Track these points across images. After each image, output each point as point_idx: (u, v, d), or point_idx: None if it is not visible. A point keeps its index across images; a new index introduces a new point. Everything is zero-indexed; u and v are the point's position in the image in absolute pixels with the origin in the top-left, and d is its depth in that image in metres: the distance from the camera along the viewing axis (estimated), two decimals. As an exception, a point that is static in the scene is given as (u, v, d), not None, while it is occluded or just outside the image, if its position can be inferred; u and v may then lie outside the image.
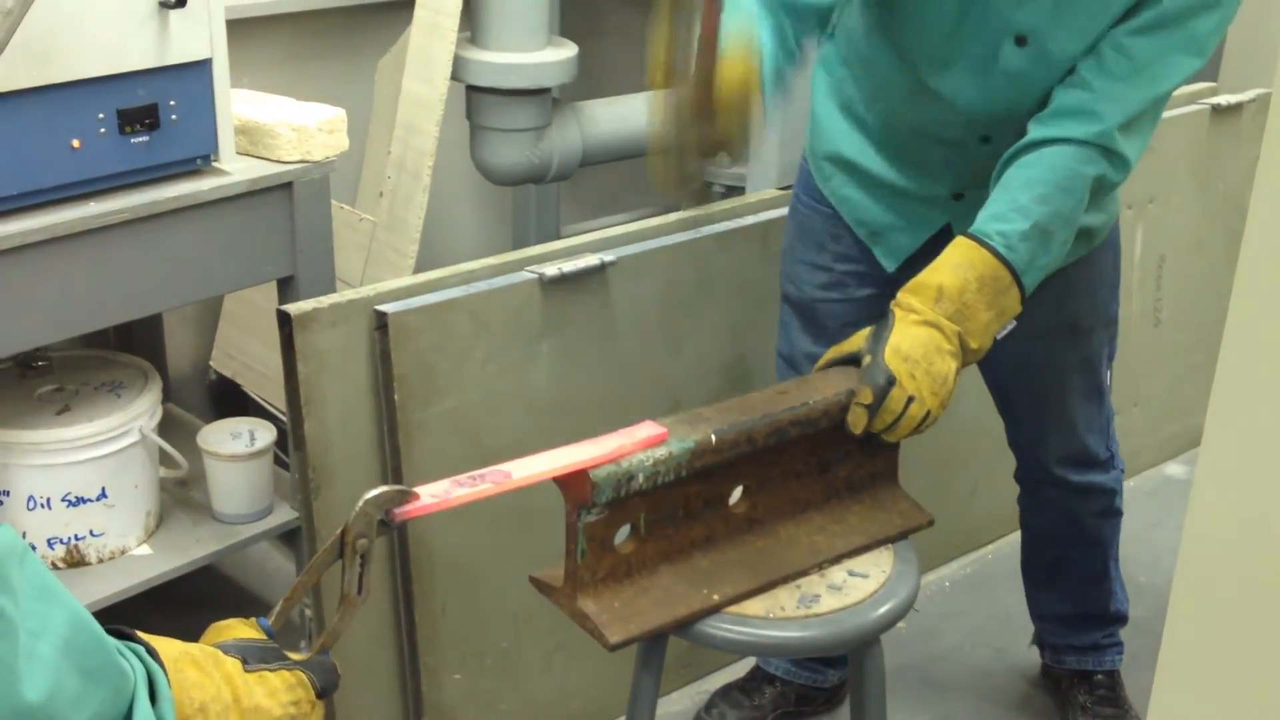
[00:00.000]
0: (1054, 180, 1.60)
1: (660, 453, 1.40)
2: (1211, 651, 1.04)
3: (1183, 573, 1.04)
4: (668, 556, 1.47)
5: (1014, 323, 1.60)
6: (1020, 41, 1.66)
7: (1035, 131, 1.64)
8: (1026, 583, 2.31)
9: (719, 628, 1.46)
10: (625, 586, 1.44)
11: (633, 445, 1.39)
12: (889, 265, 1.92)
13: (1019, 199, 1.59)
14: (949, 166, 1.83)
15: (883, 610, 1.51)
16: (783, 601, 1.49)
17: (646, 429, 1.42)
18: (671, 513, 1.46)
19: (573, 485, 1.37)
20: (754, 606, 1.48)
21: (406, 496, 1.22)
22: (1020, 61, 1.67)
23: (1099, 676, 2.30)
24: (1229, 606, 1.01)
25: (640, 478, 1.39)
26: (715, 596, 1.46)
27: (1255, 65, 3.21)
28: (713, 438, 1.44)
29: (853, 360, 1.56)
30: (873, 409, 1.50)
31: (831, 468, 1.58)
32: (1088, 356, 2.00)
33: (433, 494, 1.25)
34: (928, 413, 1.51)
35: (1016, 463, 2.16)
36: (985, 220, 1.60)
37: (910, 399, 1.50)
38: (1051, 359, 1.96)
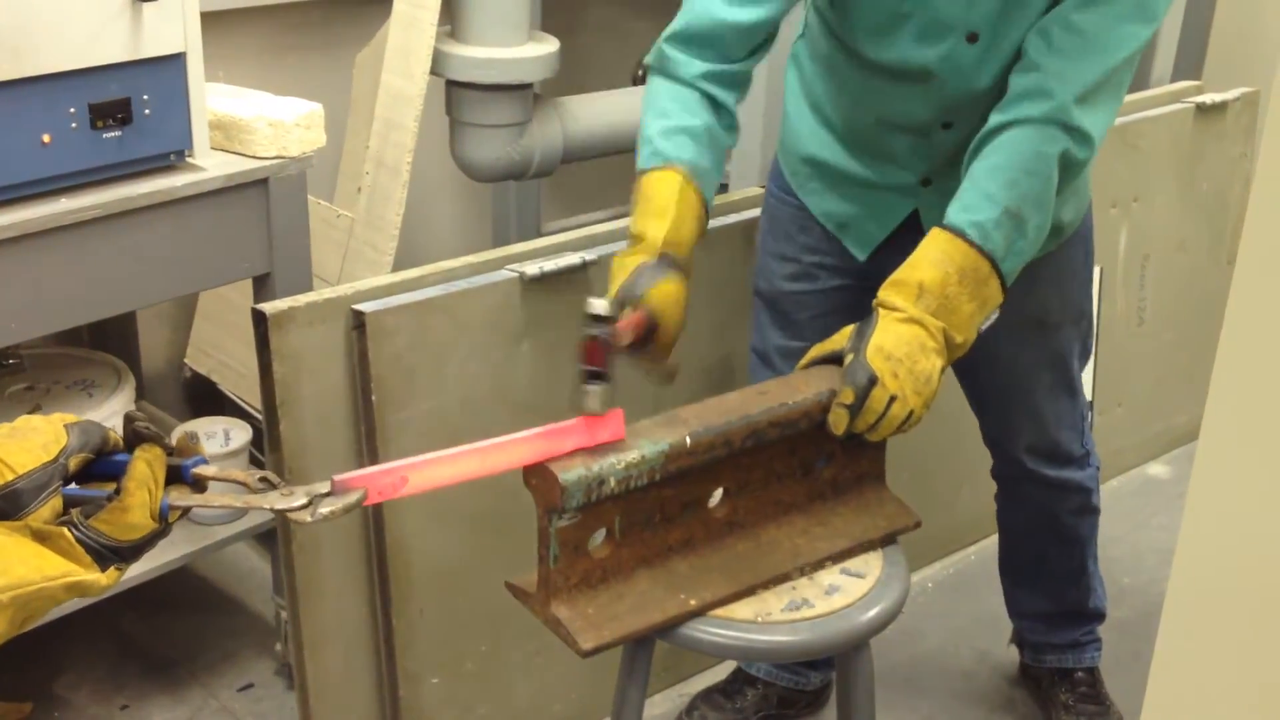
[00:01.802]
0: (1018, 164, 1.59)
1: (632, 456, 1.38)
2: (1206, 653, 1.02)
3: (1178, 574, 1.02)
4: (644, 561, 1.45)
5: (997, 313, 1.58)
6: (971, 39, 1.67)
7: (994, 118, 1.63)
8: (1005, 581, 2.31)
9: (707, 632, 1.44)
10: (600, 592, 1.41)
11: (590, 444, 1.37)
12: (859, 254, 1.92)
13: (986, 187, 1.58)
14: (915, 154, 1.82)
15: (872, 614, 1.49)
16: (771, 605, 1.47)
17: (609, 428, 1.38)
18: (647, 517, 1.44)
19: (543, 490, 1.35)
20: (742, 610, 1.46)
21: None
22: (972, 57, 1.68)
23: (1079, 674, 2.29)
24: (1225, 607, 1.00)
25: (612, 482, 1.36)
26: (692, 602, 1.44)
27: (1239, 64, 3.20)
28: (687, 440, 1.41)
29: (835, 359, 1.54)
30: (854, 409, 1.48)
31: (815, 469, 1.56)
32: (1056, 352, 1.99)
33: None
34: (910, 412, 1.49)
35: (992, 459, 2.15)
36: (956, 212, 1.58)
37: (893, 398, 1.48)
38: (1019, 354, 1.95)
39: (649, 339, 1.57)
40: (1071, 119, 1.59)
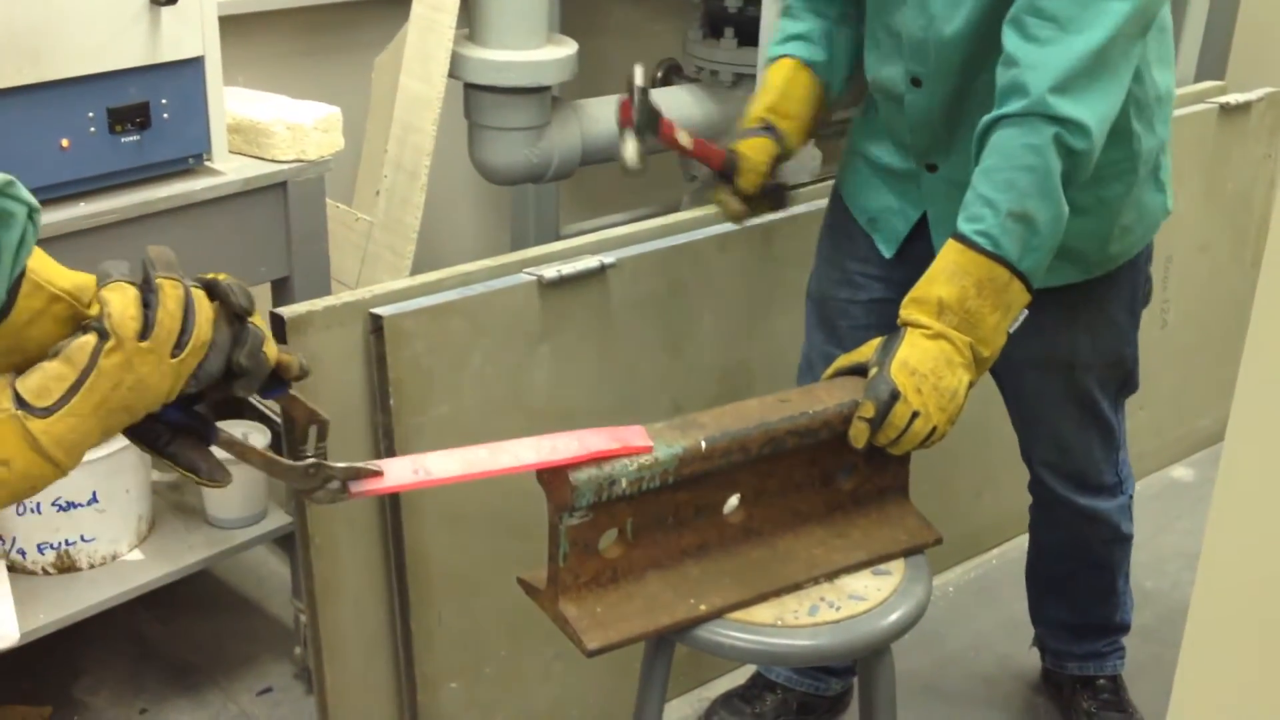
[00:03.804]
0: (1008, 164, 1.55)
1: (645, 458, 1.37)
2: (1232, 658, 1.01)
3: (1203, 578, 1.01)
4: (656, 563, 1.44)
5: (1026, 312, 1.56)
6: None
7: (983, 119, 1.60)
8: (1031, 590, 2.29)
9: (727, 635, 1.43)
10: (610, 592, 1.41)
11: (618, 450, 1.37)
12: (886, 251, 1.92)
13: (985, 193, 1.55)
14: (907, 125, 1.82)
15: (894, 618, 1.48)
16: (792, 609, 1.46)
17: (635, 436, 1.38)
18: (660, 519, 1.43)
19: (554, 487, 1.35)
20: (762, 614, 1.45)
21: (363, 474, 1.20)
22: None
23: (1102, 681, 2.27)
24: (1251, 611, 0.98)
25: (624, 482, 1.36)
26: (702, 606, 1.43)
27: (1263, 64, 3.17)
28: (702, 444, 1.40)
29: (862, 371, 1.53)
30: (875, 423, 1.47)
31: (835, 480, 1.55)
32: (1084, 392, 1.96)
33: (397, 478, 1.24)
34: (933, 428, 1.48)
35: (1029, 475, 2.13)
36: (962, 222, 1.56)
37: (915, 414, 1.46)
38: (1042, 390, 1.93)
39: (732, 177, 1.86)
40: (1051, 109, 1.53)
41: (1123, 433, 2.07)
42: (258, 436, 2.28)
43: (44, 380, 0.96)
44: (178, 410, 1.07)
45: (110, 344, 0.96)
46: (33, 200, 0.98)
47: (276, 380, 1.10)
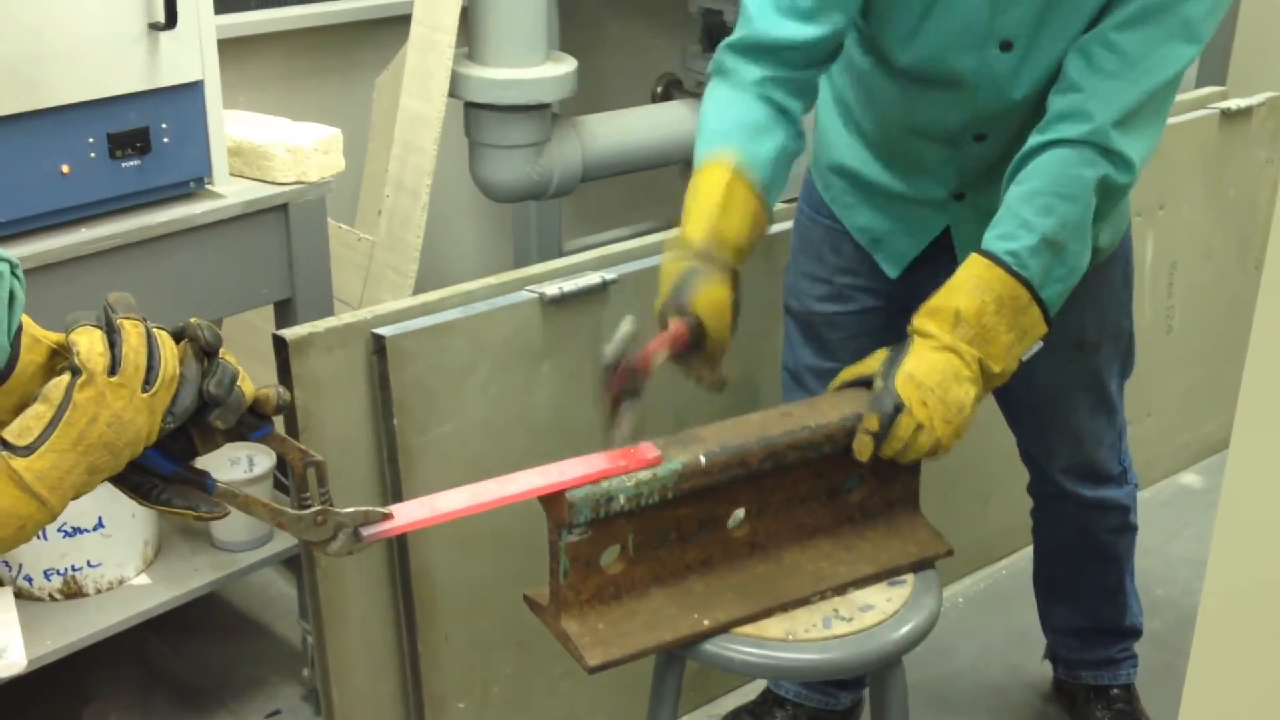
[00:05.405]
0: (1054, 189, 1.56)
1: (643, 474, 1.37)
2: (1242, 665, 1.00)
3: (1211, 585, 1.00)
4: (659, 579, 1.44)
5: (1040, 343, 1.55)
6: (1005, 47, 1.63)
7: (1032, 139, 1.61)
8: (1039, 597, 2.28)
9: (737, 651, 1.43)
10: (612, 608, 1.41)
11: (626, 466, 1.37)
12: (891, 272, 1.89)
13: (1022, 214, 1.55)
14: (946, 166, 1.80)
15: (904, 631, 1.47)
16: (801, 623, 1.45)
17: (645, 451, 1.39)
18: (662, 535, 1.42)
19: (551, 504, 1.35)
20: (772, 629, 1.44)
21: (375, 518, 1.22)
22: (1007, 66, 1.65)
23: (1115, 691, 2.26)
24: (1260, 617, 0.98)
25: (621, 499, 1.36)
26: (705, 622, 1.43)
27: (1264, 68, 3.18)
28: (702, 459, 1.40)
29: (867, 383, 1.52)
30: (879, 437, 1.46)
31: (841, 493, 1.54)
32: (1095, 373, 1.96)
33: (410, 516, 1.26)
34: (938, 441, 1.47)
35: (1029, 476, 2.12)
36: (992, 239, 1.56)
37: (919, 427, 1.46)
38: (1056, 375, 1.92)
39: (700, 344, 1.53)
40: (1110, 142, 1.56)
41: (1124, 420, 2.07)
42: (263, 459, 2.28)
43: (25, 421, 0.99)
44: (172, 463, 1.09)
45: (82, 379, 0.99)
46: (10, 256, 1.02)
47: (258, 418, 1.12)
